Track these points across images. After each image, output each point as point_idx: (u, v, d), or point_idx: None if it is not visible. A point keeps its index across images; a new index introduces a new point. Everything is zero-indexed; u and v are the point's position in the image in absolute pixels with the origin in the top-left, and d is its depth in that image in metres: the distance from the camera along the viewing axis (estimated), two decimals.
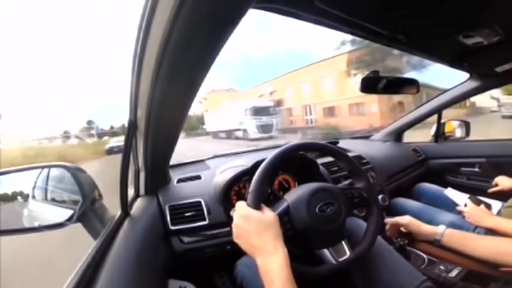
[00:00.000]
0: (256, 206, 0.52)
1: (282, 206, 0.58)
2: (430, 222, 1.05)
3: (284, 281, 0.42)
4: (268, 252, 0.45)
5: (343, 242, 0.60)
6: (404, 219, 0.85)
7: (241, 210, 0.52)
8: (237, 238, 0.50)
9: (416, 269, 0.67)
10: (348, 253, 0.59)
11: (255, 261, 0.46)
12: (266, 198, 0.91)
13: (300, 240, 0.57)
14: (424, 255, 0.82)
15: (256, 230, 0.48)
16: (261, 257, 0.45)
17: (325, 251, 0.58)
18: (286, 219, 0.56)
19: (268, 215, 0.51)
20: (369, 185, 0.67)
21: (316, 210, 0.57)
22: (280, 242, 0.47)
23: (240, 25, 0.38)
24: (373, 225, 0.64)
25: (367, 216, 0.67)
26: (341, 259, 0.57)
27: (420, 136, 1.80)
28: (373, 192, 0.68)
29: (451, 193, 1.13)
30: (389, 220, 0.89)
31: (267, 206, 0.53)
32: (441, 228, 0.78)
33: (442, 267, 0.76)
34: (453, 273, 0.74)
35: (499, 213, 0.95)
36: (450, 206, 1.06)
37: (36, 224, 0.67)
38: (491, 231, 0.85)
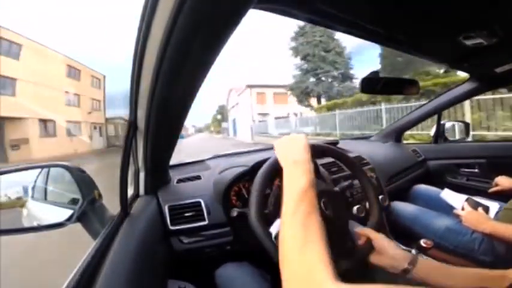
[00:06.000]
0: None
1: None
2: (426, 226, 1.05)
3: None
4: None
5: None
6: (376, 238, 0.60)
7: None
8: None
9: None
10: None
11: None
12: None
13: None
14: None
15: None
16: None
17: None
18: None
19: None
20: (368, 183, 0.67)
21: None
22: None
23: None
24: (374, 228, 0.64)
25: (367, 217, 0.67)
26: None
27: None
28: (373, 190, 0.68)
29: (447, 195, 1.10)
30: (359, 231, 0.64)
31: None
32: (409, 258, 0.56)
33: None
34: None
35: (497, 215, 0.94)
36: (448, 208, 1.04)
37: (35, 224, 0.67)
38: (488, 236, 0.85)
